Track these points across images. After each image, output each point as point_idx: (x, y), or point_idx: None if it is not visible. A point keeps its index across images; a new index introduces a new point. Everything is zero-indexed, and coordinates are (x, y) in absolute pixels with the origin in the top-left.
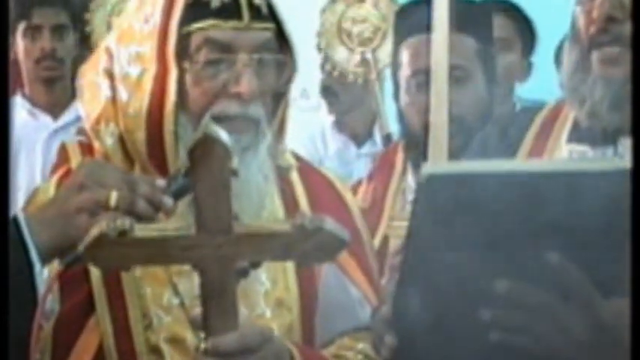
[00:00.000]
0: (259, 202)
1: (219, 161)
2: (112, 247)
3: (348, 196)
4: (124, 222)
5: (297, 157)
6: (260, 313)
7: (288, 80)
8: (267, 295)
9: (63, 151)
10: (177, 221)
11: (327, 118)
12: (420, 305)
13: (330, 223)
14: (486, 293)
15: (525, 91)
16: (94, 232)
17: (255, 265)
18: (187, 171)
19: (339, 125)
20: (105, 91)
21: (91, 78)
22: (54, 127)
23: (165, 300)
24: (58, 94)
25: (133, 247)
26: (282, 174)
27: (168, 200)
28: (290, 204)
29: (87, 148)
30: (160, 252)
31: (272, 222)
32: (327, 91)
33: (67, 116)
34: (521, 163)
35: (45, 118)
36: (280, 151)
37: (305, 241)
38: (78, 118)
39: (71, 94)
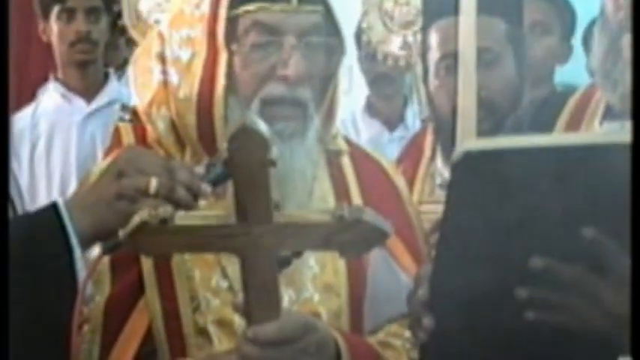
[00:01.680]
0: (306, 188)
1: (257, 152)
2: (153, 235)
3: (399, 181)
4: (166, 210)
5: (349, 142)
6: (308, 297)
7: (337, 63)
8: (316, 279)
9: (116, 133)
10: (218, 210)
11: (358, 103)
12: (457, 286)
13: (370, 215)
14: (522, 271)
15: (558, 74)
16: (136, 219)
17: (298, 254)
18: (226, 159)
19: (371, 109)
20: (157, 76)
21: (144, 62)
22: (88, 111)
23: (213, 283)
24: (91, 77)
25: (173, 235)
26: (332, 159)
27: (206, 187)
28: (340, 189)
29: (140, 131)
30: (201, 240)
31: (312, 212)
32: (368, 74)
33: (100, 99)
34: (558, 136)
35: (79, 102)
36: (330, 135)
37: (344, 232)
38: (111, 102)
39: (104, 77)
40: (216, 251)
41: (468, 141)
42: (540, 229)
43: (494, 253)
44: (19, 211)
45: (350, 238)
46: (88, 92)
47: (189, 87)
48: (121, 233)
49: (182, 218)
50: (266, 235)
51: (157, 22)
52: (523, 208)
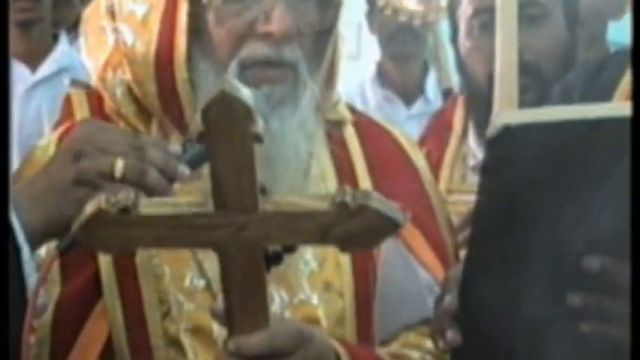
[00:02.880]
0: (300, 167)
1: (238, 125)
2: (112, 227)
3: (416, 155)
4: (128, 196)
5: (353, 110)
6: (304, 298)
7: (334, 16)
8: (313, 276)
9: (67, 102)
10: (192, 195)
11: (367, 70)
12: (492, 295)
13: (378, 200)
14: (575, 273)
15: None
16: (90, 208)
17: (290, 249)
18: (200, 133)
19: (383, 78)
20: (110, 35)
21: (96, 20)
22: (33, 81)
23: (187, 282)
24: (36, 39)
25: (137, 227)
26: (332, 131)
27: (183, 169)
28: (343, 168)
29: (95, 100)
30: (171, 233)
31: (307, 198)
32: (382, 32)
33: (47, 67)
34: (613, 106)
35: (21, 69)
36: (330, 101)
37: (347, 222)
38: (61, 69)
39: (52, 40)
40: (190, 246)
41: (507, 113)
42: (596, 220)
43: (539, 253)
44: None
45: (353, 229)
46: (33, 58)
47: (145, 47)
48: (74, 226)
49: (148, 206)
50: (250, 225)
51: None
52: (575, 195)
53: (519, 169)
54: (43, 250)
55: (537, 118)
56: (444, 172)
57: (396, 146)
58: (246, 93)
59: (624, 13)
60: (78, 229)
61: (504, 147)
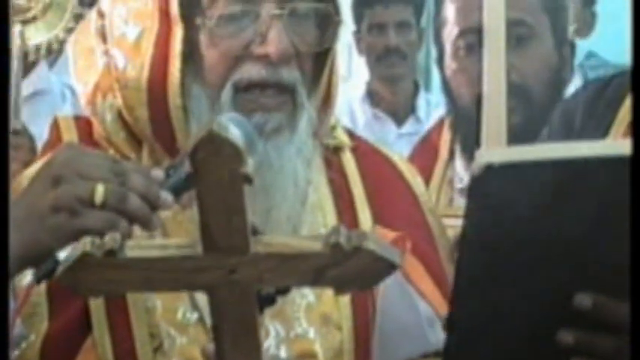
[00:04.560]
0: (298, 195)
1: (227, 166)
2: (98, 270)
3: (416, 182)
4: (114, 238)
5: (351, 134)
6: (300, 332)
7: (333, 36)
8: (310, 309)
9: (55, 127)
10: (179, 238)
11: (355, 90)
12: (482, 326)
13: (373, 242)
14: (566, 309)
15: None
16: (75, 252)
17: (284, 292)
18: (189, 174)
19: (373, 98)
20: (100, 57)
21: (85, 41)
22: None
23: (179, 316)
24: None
25: (124, 270)
26: (330, 158)
27: (166, 196)
28: (342, 194)
29: (84, 125)
30: (159, 276)
31: (299, 239)
32: (371, 52)
33: (22, 89)
34: (608, 144)
35: None
36: (327, 125)
37: (341, 264)
38: (36, 93)
39: (28, 68)
40: (180, 289)
41: (489, 150)
42: (585, 257)
43: (527, 286)
44: None
45: (348, 271)
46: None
47: (137, 71)
48: (60, 269)
49: (134, 248)
50: (242, 268)
51: None
52: (562, 232)
53: (500, 205)
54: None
55: (522, 157)
56: (431, 195)
57: (395, 173)
58: (235, 133)
59: (591, 31)
60: (63, 273)
61: (486, 184)
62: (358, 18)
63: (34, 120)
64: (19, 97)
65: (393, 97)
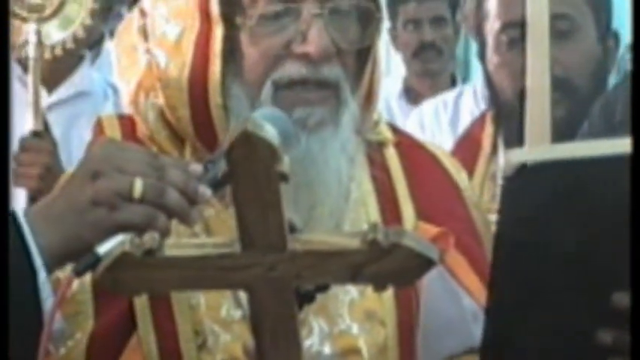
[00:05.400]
0: (341, 191)
1: (263, 164)
2: (137, 270)
3: (460, 177)
4: (152, 237)
5: (395, 129)
6: (344, 328)
7: (374, 33)
8: (354, 305)
9: (98, 126)
10: (217, 237)
11: (393, 86)
12: (519, 327)
13: (411, 238)
14: (604, 308)
15: None
16: (114, 251)
17: (323, 288)
18: (225, 172)
19: (410, 94)
20: (142, 55)
21: (127, 39)
22: (47, 103)
23: (223, 313)
24: (61, 64)
25: (163, 269)
26: (373, 154)
27: (204, 190)
28: (385, 190)
29: (128, 124)
30: (198, 274)
31: (338, 236)
32: (407, 48)
33: (64, 90)
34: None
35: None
36: (370, 121)
37: (379, 261)
38: (79, 94)
39: (74, 64)
40: (218, 287)
41: (522, 150)
42: (621, 255)
43: (564, 286)
44: None
45: (386, 267)
46: (55, 79)
47: (178, 71)
48: (99, 268)
49: (173, 247)
50: (280, 265)
51: None
52: (599, 233)
53: (536, 207)
54: (60, 273)
55: (555, 155)
56: (474, 190)
57: (439, 167)
58: (270, 131)
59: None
60: (102, 273)
61: (520, 184)
62: (393, 14)
63: (76, 121)
64: (39, 97)
65: (430, 93)
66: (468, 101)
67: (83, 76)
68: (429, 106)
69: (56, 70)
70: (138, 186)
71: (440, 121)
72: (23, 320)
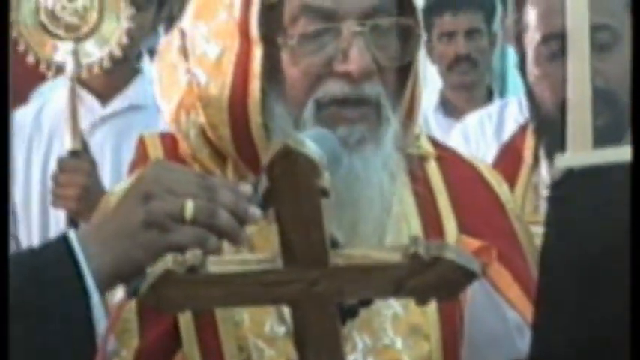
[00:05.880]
0: (384, 206)
1: (304, 180)
2: (180, 287)
3: (502, 190)
4: (195, 255)
5: (436, 144)
6: (388, 343)
7: (414, 49)
8: (398, 320)
9: (141, 145)
10: (259, 252)
11: (430, 98)
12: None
13: (452, 251)
14: None
15: None
16: (158, 269)
17: (366, 303)
18: (266, 189)
19: (446, 106)
20: (183, 75)
21: (167, 57)
22: (101, 114)
23: (267, 328)
24: (116, 72)
25: (206, 286)
26: (414, 167)
27: (254, 211)
28: (426, 205)
29: (170, 142)
30: (241, 290)
31: (379, 250)
32: (442, 60)
33: (118, 101)
34: None
35: (92, 103)
36: (412, 136)
37: (421, 274)
38: (133, 106)
39: (129, 77)
40: (261, 303)
41: (570, 154)
42: None
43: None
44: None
45: (428, 281)
46: (109, 91)
47: (219, 90)
48: (143, 287)
49: (216, 264)
50: (322, 280)
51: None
52: None
53: (585, 214)
54: (114, 295)
55: (603, 160)
56: (517, 203)
57: (480, 181)
58: (311, 146)
59: None
60: (146, 291)
61: (568, 190)
62: (428, 26)
63: (129, 134)
64: (77, 116)
65: (467, 105)
66: (513, 112)
67: (137, 89)
68: (474, 117)
69: (110, 83)
70: (189, 208)
71: (485, 133)
72: (77, 342)
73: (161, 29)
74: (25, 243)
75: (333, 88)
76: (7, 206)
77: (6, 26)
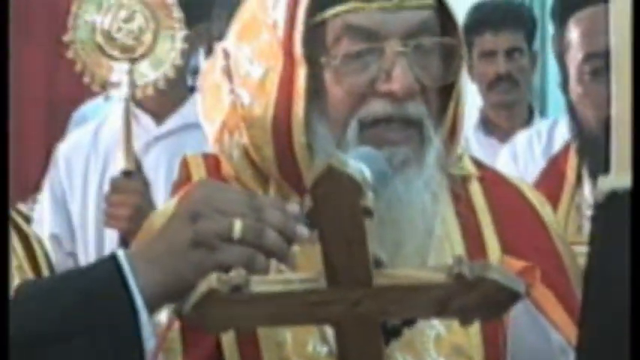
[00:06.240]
0: (427, 227)
1: (347, 200)
2: (224, 306)
3: (545, 211)
4: (239, 274)
5: (478, 163)
6: None
7: (457, 68)
8: (440, 340)
9: (184, 166)
10: (303, 272)
11: (470, 117)
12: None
13: (496, 271)
14: None
15: None
16: (202, 288)
17: (410, 323)
18: (312, 212)
19: (487, 126)
20: (226, 95)
21: (211, 78)
22: (155, 134)
23: (310, 349)
24: (170, 92)
25: (250, 305)
26: (457, 187)
27: (302, 230)
28: (469, 226)
29: (213, 162)
30: (284, 310)
31: (423, 270)
32: (482, 79)
33: (172, 121)
34: None
35: (147, 121)
36: (454, 156)
37: (465, 295)
38: (187, 125)
39: (183, 98)
40: (304, 323)
41: (615, 176)
42: None
43: None
44: (68, 248)
45: (472, 301)
46: (164, 110)
47: (262, 110)
48: (186, 306)
49: (259, 283)
50: (365, 301)
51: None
52: None
53: (629, 236)
54: (162, 315)
55: None
56: (560, 223)
57: (524, 202)
58: (354, 166)
59: None
60: (190, 310)
61: (612, 211)
62: (468, 45)
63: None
64: (131, 136)
65: (507, 124)
66: (562, 131)
67: (192, 108)
68: (523, 136)
69: (165, 102)
70: (237, 227)
71: (533, 152)
72: None
73: (201, 48)
74: (82, 261)
75: (376, 107)
76: (7, 206)
77: (6, 26)
